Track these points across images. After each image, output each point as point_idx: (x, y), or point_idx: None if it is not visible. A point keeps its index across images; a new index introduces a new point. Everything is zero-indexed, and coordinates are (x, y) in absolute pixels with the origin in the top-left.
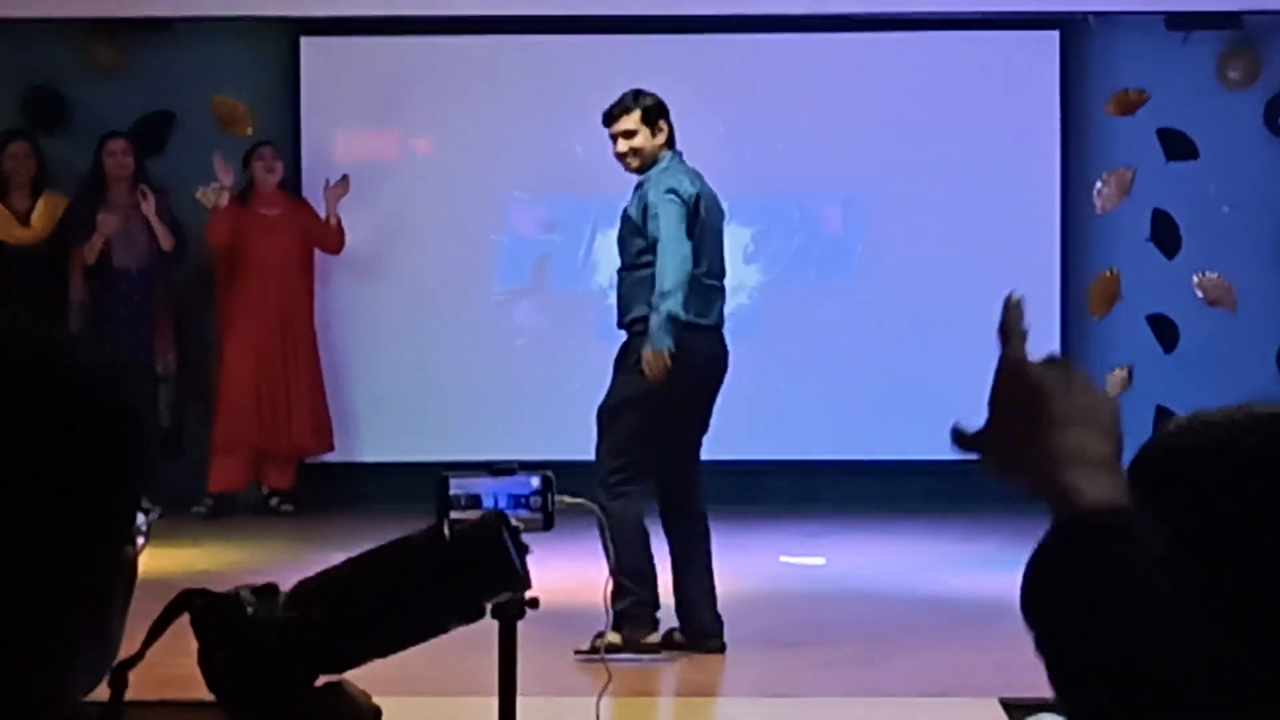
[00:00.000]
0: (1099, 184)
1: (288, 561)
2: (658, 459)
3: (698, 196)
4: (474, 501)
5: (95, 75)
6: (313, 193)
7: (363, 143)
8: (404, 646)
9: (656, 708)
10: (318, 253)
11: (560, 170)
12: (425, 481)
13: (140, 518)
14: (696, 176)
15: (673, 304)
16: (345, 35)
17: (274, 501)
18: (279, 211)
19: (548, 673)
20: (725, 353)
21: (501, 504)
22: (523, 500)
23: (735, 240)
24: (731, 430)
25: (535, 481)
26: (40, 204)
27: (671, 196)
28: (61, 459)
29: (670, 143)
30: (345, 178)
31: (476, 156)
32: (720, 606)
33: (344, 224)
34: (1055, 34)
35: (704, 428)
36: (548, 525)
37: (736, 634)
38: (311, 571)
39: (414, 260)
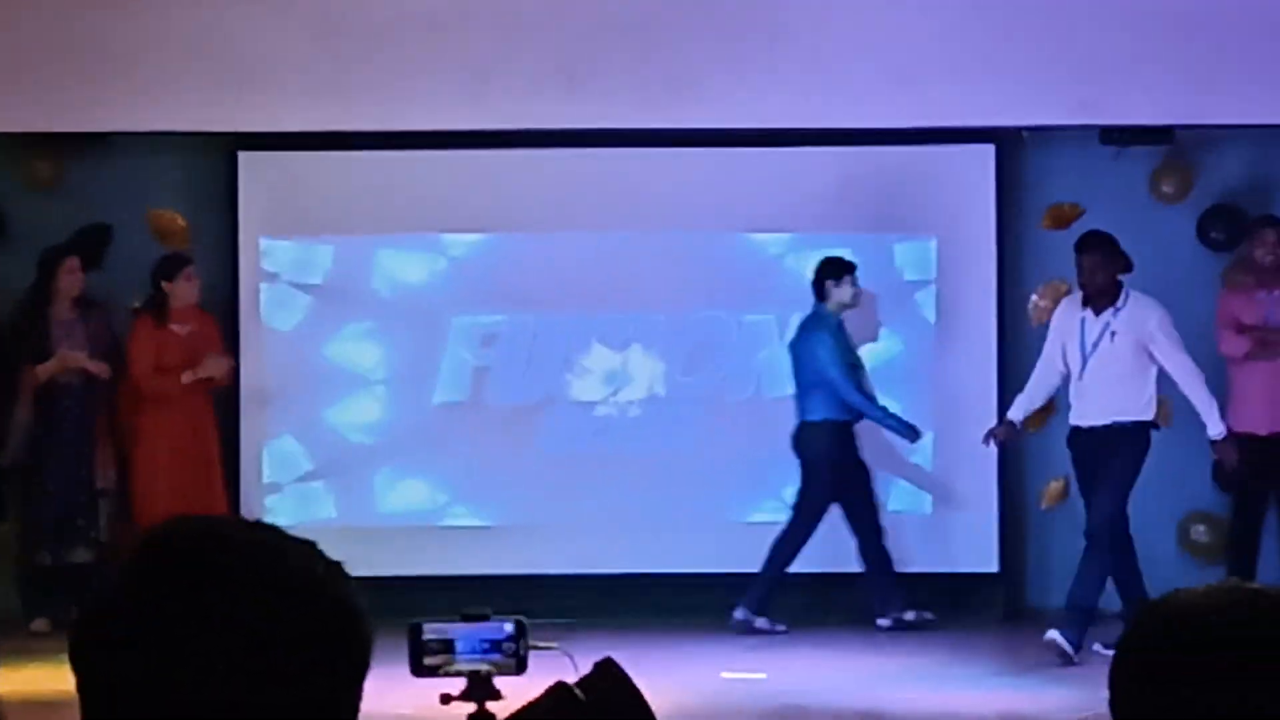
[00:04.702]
0: (1034, 297)
1: None
2: None
3: None
4: (446, 646)
5: (30, 189)
6: (249, 307)
7: (299, 255)
8: None
9: None
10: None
11: (501, 285)
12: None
13: None
14: None
15: None
16: (283, 150)
17: None
18: (192, 328)
19: None
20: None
21: (474, 649)
22: (495, 645)
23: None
24: (673, 543)
25: (508, 627)
26: None
27: None
28: (313, 662)
29: None
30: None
31: (416, 271)
32: None
33: (285, 334)
34: (991, 148)
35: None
36: (520, 669)
37: None
38: None
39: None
